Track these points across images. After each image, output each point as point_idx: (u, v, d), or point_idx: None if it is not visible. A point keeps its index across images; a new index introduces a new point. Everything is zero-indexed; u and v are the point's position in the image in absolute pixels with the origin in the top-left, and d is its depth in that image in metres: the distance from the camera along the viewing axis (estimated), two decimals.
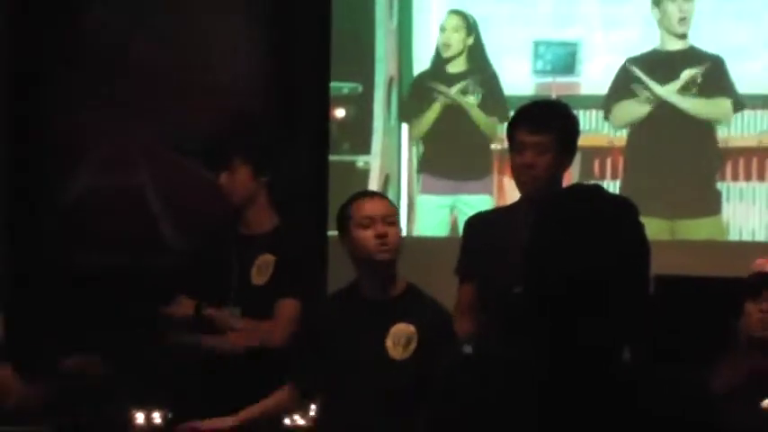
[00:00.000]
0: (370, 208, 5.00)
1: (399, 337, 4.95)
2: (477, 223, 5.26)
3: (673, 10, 6.44)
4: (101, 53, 7.25)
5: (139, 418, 6.01)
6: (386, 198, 5.44)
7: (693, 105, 6.53)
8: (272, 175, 5.65)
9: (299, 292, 5.54)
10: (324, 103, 7.01)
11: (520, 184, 4.96)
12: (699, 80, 6.49)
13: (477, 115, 6.82)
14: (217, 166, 5.69)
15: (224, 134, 6.66)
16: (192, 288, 5.65)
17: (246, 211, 5.67)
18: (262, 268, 5.61)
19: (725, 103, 6.44)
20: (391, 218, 5.03)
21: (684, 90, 6.54)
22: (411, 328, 4.88)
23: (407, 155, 7.05)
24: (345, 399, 4.92)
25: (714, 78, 6.43)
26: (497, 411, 3.34)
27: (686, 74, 6.47)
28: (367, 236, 4.92)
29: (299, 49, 7.04)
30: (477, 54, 6.86)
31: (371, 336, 4.91)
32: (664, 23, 6.47)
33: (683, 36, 6.44)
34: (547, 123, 4.96)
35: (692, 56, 6.44)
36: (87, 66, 7.23)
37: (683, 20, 6.45)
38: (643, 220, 3.87)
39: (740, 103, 6.43)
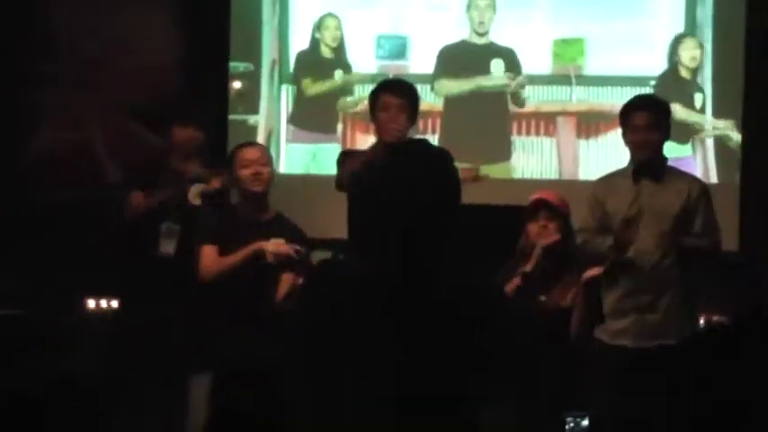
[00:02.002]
0: (249, 153, 6.14)
1: (274, 245, 6.01)
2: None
3: (475, 16, 7.48)
4: (55, 38, 8.06)
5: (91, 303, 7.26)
6: (262, 146, 6.69)
7: (491, 82, 7.56)
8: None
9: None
10: (224, 77, 7.98)
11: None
12: (497, 65, 7.44)
13: (335, 87, 7.83)
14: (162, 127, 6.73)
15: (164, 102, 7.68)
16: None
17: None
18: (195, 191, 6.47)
19: (514, 81, 7.46)
20: (263, 160, 6.16)
21: (485, 72, 7.47)
22: (280, 241, 6.00)
23: (285, 115, 7.96)
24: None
25: (508, 65, 7.48)
26: (352, 304, 4.20)
27: (487, 60, 7.54)
28: (245, 174, 6.02)
29: (207, 38, 7.90)
30: (340, 45, 7.85)
31: (253, 239, 6.04)
32: (471, 25, 7.53)
33: (483, 34, 7.50)
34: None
35: (492, 48, 7.50)
36: (46, 49, 8.01)
37: (481, 23, 7.53)
38: (456, 164, 5.03)
39: (523, 82, 7.45)
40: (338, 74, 7.88)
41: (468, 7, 7.51)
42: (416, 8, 7.73)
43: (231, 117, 7.98)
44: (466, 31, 7.55)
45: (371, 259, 4.79)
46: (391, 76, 7.38)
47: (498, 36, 7.45)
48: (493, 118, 7.55)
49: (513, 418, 5.49)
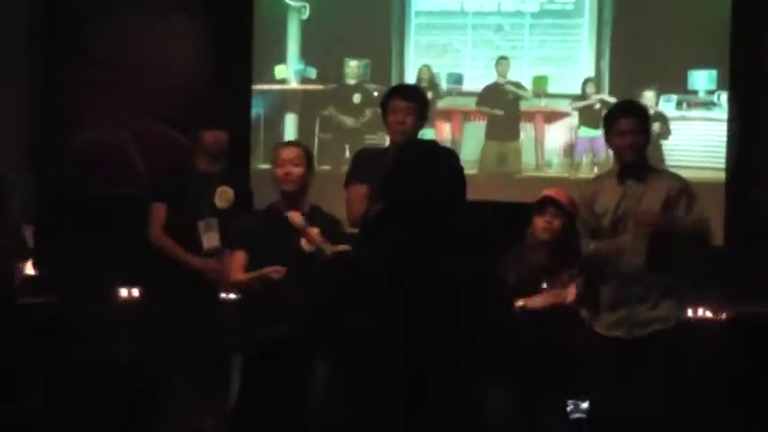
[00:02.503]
0: (284, 153, 6.18)
1: (311, 237, 5.99)
2: (365, 156, 6.48)
3: (500, 69, 7.90)
4: (94, 51, 8.27)
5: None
6: (299, 147, 6.44)
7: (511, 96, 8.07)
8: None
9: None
10: (248, 80, 8.18)
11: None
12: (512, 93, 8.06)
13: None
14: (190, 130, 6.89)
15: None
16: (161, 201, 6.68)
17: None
18: (223, 196, 6.69)
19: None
20: (296, 161, 6.15)
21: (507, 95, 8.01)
22: (315, 231, 5.97)
23: None
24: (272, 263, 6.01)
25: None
26: (359, 295, 3.85)
27: (507, 92, 7.98)
28: (278, 172, 6.10)
29: (232, 48, 8.03)
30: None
31: (287, 236, 6.04)
32: (498, 71, 7.98)
33: (504, 77, 7.99)
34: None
35: (508, 82, 7.94)
36: (86, 59, 8.23)
37: (503, 72, 7.92)
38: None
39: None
40: None
41: (497, 64, 7.93)
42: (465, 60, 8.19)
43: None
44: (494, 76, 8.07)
45: (381, 250, 4.37)
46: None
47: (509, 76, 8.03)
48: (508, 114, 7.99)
49: (516, 399, 5.53)
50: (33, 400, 3.50)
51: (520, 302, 5.99)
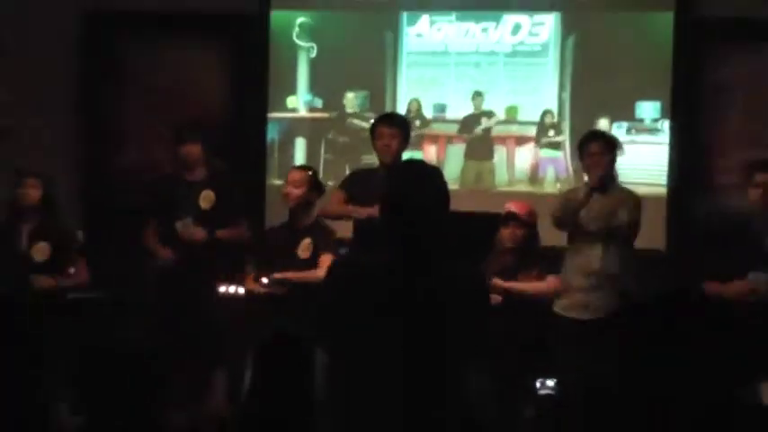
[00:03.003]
0: (290, 175, 6.76)
1: (304, 247, 6.69)
2: (359, 174, 6.94)
3: (476, 103, 8.43)
4: (132, 83, 8.80)
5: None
6: (305, 171, 6.93)
7: (485, 125, 8.46)
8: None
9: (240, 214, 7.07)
10: (264, 109, 8.62)
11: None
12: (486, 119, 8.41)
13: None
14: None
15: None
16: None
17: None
18: (206, 198, 7.03)
19: (493, 121, 8.44)
20: (297, 183, 6.65)
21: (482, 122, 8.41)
22: (308, 241, 6.64)
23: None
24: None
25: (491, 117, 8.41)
26: (362, 292, 3.91)
27: (480, 118, 8.45)
28: (283, 192, 6.70)
29: (248, 80, 8.59)
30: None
31: (289, 246, 6.66)
32: (474, 106, 8.46)
33: (480, 107, 8.43)
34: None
35: (483, 111, 8.45)
36: (125, 86, 8.79)
37: (479, 105, 8.39)
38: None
39: (496, 121, 8.38)
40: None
41: (473, 98, 8.38)
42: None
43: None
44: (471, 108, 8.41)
45: (375, 253, 4.35)
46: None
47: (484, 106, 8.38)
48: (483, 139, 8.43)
49: (488, 383, 5.67)
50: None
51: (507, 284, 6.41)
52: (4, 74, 8.47)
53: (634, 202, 6.63)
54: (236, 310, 6.96)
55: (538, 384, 6.15)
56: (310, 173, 6.89)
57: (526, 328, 6.45)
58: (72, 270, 7.14)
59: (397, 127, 6.74)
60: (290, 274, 6.58)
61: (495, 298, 6.24)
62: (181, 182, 7.24)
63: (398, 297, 3.92)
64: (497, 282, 6.43)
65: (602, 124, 7.99)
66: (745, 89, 8.03)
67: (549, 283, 6.55)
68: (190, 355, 6.62)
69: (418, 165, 4.51)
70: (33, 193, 7.07)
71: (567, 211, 6.56)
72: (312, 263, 6.58)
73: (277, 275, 6.65)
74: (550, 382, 6.10)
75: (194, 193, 7.19)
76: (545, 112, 8.34)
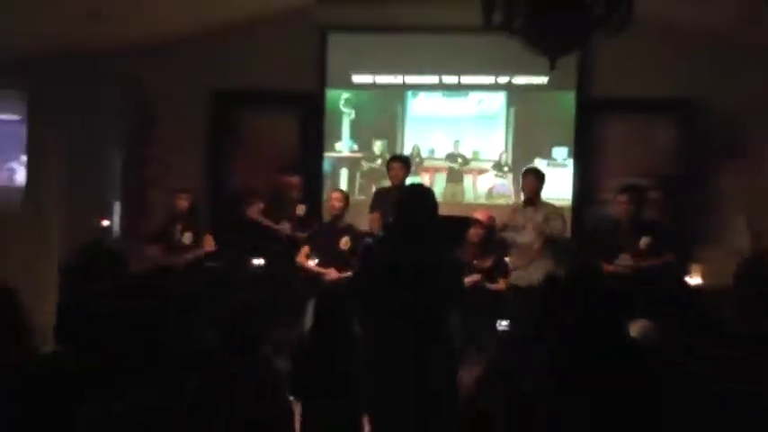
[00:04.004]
0: (333, 195, 7.12)
1: (344, 243, 6.86)
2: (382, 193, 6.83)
3: (455, 146, 8.38)
4: (241, 131, 8.72)
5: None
6: (341, 192, 7.28)
7: (456, 164, 8.33)
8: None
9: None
10: (322, 150, 8.57)
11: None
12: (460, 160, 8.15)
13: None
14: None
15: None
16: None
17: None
18: (299, 209, 7.30)
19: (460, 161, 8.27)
20: (339, 200, 6.97)
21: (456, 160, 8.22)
22: (347, 239, 6.84)
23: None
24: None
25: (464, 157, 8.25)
26: (380, 267, 4.07)
27: (457, 157, 8.28)
28: (329, 204, 6.99)
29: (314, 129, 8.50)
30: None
31: (332, 240, 6.77)
32: (454, 148, 8.42)
33: (457, 150, 8.33)
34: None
35: (456, 153, 8.37)
36: (236, 136, 8.72)
37: (457, 147, 8.23)
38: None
39: (466, 161, 8.27)
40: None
41: (453, 145, 8.54)
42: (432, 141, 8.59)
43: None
44: (451, 149, 8.44)
45: (390, 243, 4.47)
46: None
47: (459, 149, 8.45)
48: (458, 170, 8.48)
49: (460, 320, 5.35)
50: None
51: (475, 262, 6.49)
52: (158, 134, 8.67)
53: (561, 212, 6.82)
54: (303, 276, 7.02)
55: (499, 325, 6.02)
56: (344, 194, 7.24)
57: (494, 292, 6.55)
58: (205, 248, 7.48)
59: (402, 162, 7.06)
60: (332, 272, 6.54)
61: (475, 277, 6.55)
62: (286, 198, 7.61)
63: (403, 271, 4.04)
64: (476, 264, 6.61)
65: (535, 162, 8.01)
66: (617, 143, 8.21)
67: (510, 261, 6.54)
68: (284, 298, 6.86)
69: (419, 186, 4.72)
70: (184, 203, 7.59)
71: (505, 228, 6.63)
72: (348, 254, 6.77)
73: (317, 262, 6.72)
74: (504, 323, 5.96)
75: (293, 206, 7.55)
76: (501, 154, 8.46)
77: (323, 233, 6.97)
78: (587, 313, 2.74)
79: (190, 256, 7.24)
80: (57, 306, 2.92)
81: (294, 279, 6.98)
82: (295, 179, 7.65)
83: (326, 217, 7.60)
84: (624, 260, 6.39)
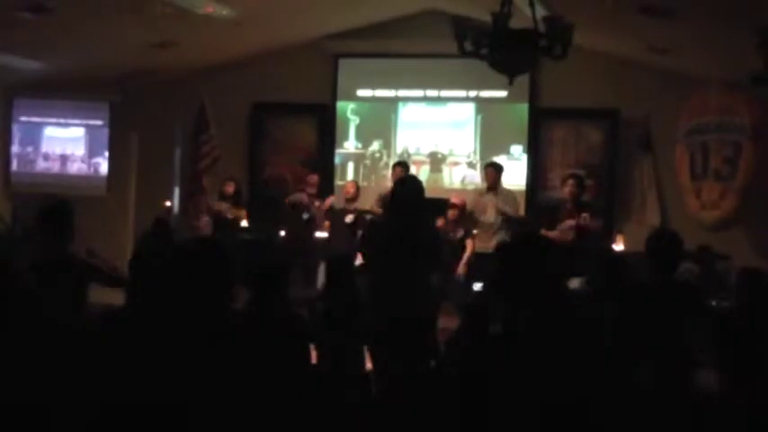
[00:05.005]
0: (347, 185, 7.27)
1: (350, 217, 7.00)
2: None
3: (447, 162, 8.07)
4: (271, 136, 8.66)
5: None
6: (353, 181, 7.41)
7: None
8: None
9: None
10: (333, 148, 8.50)
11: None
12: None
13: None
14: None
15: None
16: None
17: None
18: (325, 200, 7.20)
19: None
20: (351, 188, 7.17)
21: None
22: (352, 216, 6.99)
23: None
24: None
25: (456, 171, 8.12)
26: (380, 238, 4.11)
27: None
28: (344, 191, 7.12)
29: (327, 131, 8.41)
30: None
31: (342, 216, 6.89)
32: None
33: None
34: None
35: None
36: (269, 139, 8.66)
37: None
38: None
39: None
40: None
41: (435, 144, 8.33)
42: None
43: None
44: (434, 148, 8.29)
45: (388, 219, 4.50)
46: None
47: (438, 148, 8.28)
48: (438, 163, 8.37)
49: (442, 281, 5.29)
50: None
51: (451, 234, 6.31)
52: (212, 137, 8.50)
53: (514, 195, 6.92)
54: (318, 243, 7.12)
55: (475, 286, 6.01)
56: (355, 183, 7.50)
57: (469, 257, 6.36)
58: (244, 222, 7.69)
59: (402, 167, 7.21)
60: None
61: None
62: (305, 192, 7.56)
63: (398, 240, 4.04)
64: (452, 236, 6.50)
65: (496, 158, 7.80)
66: (559, 142, 8.14)
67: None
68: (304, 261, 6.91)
69: (409, 176, 5.21)
70: (230, 187, 7.71)
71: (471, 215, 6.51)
72: (352, 226, 6.99)
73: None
74: (479, 285, 5.97)
75: (314, 198, 7.58)
76: (469, 153, 8.41)
77: (339, 212, 7.21)
78: (532, 270, 2.53)
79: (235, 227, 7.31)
80: (128, 263, 2.90)
81: (310, 247, 7.06)
82: (313, 178, 7.60)
83: (339, 199, 7.65)
84: (567, 224, 6.32)
